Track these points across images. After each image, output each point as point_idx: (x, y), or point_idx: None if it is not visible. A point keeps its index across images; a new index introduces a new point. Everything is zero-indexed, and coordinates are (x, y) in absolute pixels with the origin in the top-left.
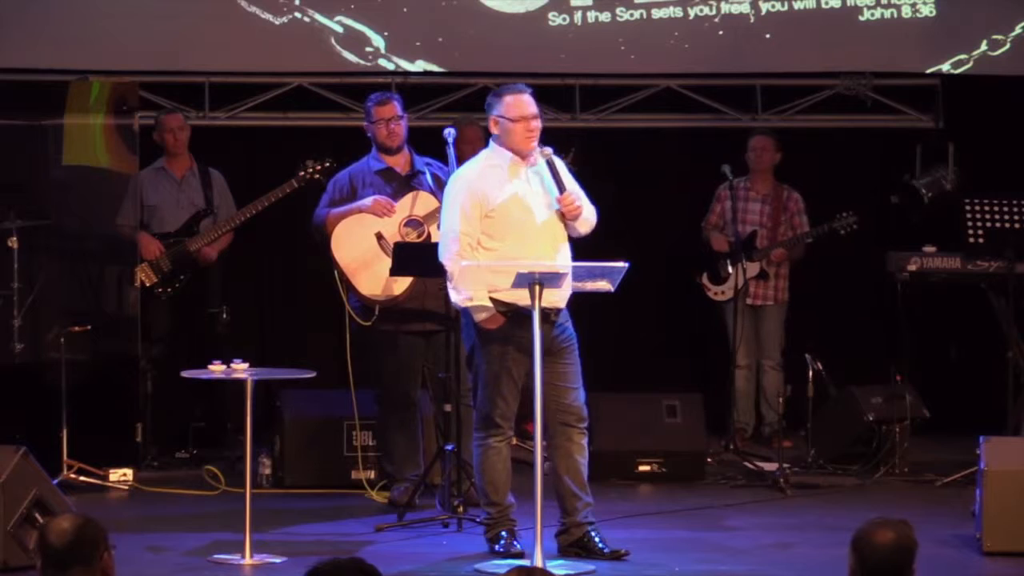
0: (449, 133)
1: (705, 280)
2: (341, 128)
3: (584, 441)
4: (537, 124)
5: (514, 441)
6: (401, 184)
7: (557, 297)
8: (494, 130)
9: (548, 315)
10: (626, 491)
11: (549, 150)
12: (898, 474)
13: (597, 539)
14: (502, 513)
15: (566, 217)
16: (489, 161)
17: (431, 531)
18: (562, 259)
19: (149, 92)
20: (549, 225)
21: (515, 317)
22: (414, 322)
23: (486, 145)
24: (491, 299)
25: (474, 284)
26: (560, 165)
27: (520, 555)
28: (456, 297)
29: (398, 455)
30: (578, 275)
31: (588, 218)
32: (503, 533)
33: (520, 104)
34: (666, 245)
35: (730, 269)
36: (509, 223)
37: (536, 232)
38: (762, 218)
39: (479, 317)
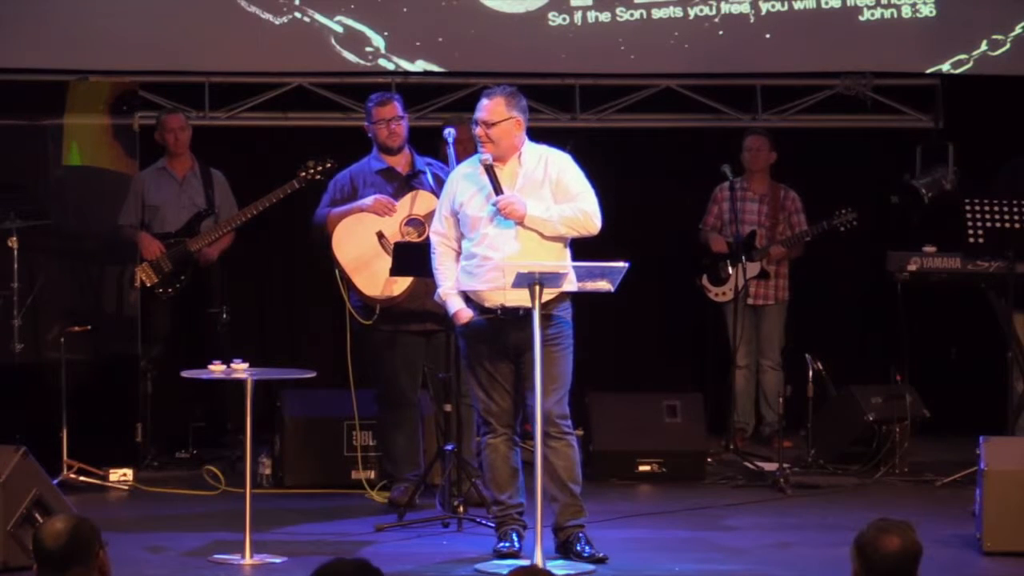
0: (449, 133)
1: (705, 282)
2: (341, 128)
3: (561, 444)
4: (479, 130)
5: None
6: (402, 184)
7: (518, 296)
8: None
9: (515, 313)
10: (626, 491)
11: (487, 157)
12: (898, 474)
13: (578, 545)
14: (505, 511)
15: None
16: (472, 163)
17: (431, 531)
18: (534, 258)
19: (149, 92)
20: (504, 228)
21: (485, 316)
22: (414, 322)
23: (476, 145)
24: (465, 297)
25: (444, 280)
26: (563, 162)
27: (518, 555)
28: (435, 293)
29: (398, 455)
30: (578, 275)
31: (549, 219)
32: (507, 532)
33: (477, 109)
34: (666, 245)
35: (730, 270)
36: (466, 224)
37: (488, 234)
38: (760, 217)
39: (450, 313)
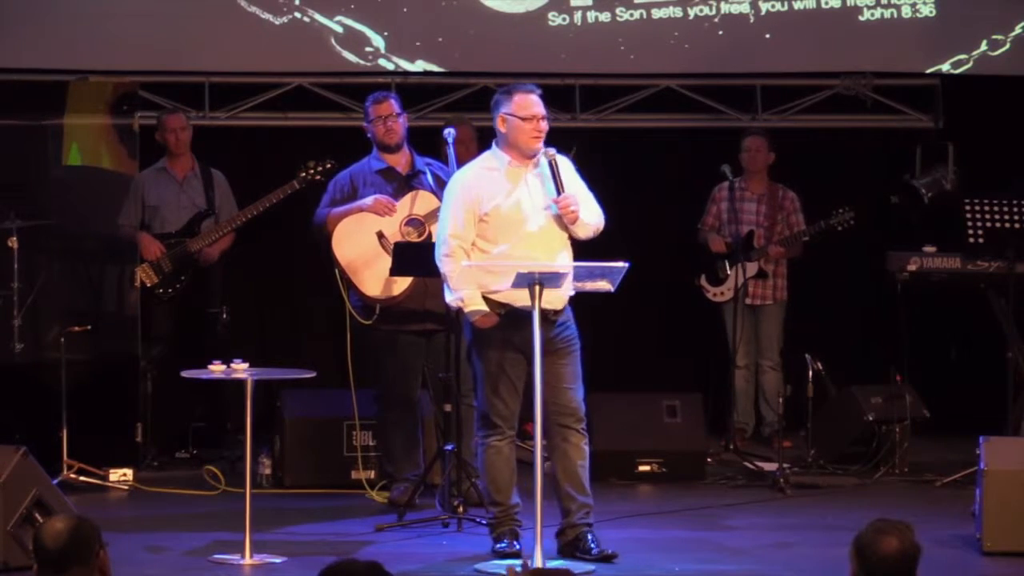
0: (449, 133)
1: (703, 282)
2: (341, 128)
3: (582, 442)
4: (545, 125)
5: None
6: (402, 183)
7: (554, 298)
8: (501, 128)
9: (547, 315)
10: (626, 491)
11: (553, 150)
12: (898, 474)
13: (589, 540)
14: (505, 513)
15: (563, 219)
16: (487, 164)
17: (431, 531)
18: (560, 261)
19: (149, 92)
20: (546, 228)
21: (510, 317)
22: (414, 322)
23: (479, 145)
24: (486, 299)
25: (466, 284)
26: (566, 165)
27: (519, 555)
28: (449, 297)
29: (398, 455)
30: (578, 275)
31: (587, 221)
32: (506, 532)
33: (531, 103)
34: (666, 245)
35: (728, 270)
36: (502, 227)
37: (531, 235)
38: (758, 218)
39: (473, 317)
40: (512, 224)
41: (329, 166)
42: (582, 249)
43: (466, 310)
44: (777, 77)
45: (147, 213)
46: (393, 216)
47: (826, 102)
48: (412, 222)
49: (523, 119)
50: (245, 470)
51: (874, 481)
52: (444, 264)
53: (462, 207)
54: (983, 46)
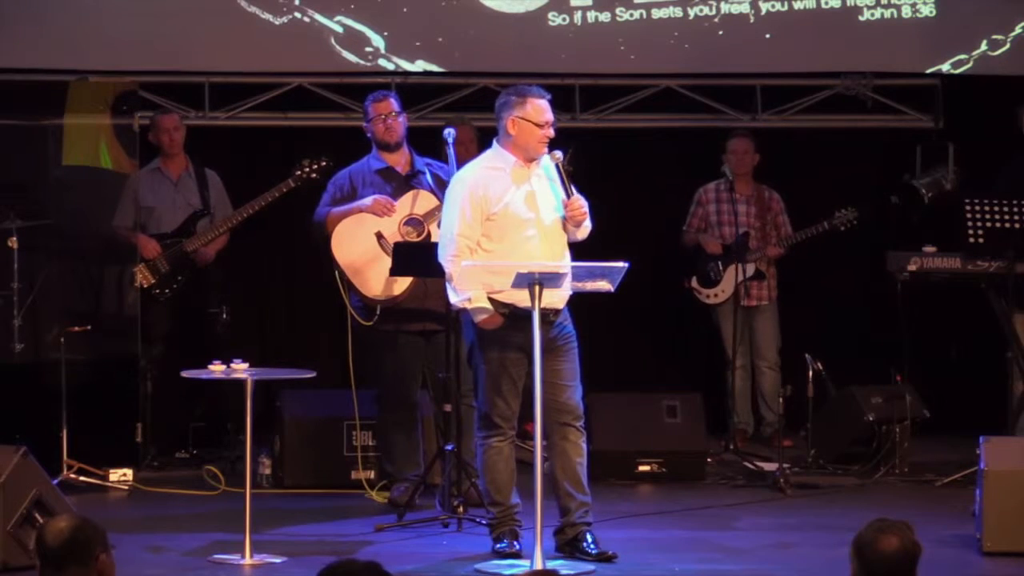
0: (449, 133)
1: (695, 284)
2: (341, 128)
3: (581, 440)
4: (553, 131)
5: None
6: (401, 183)
7: (556, 298)
8: (511, 130)
9: (547, 315)
10: (626, 491)
11: (559, 154)
12: (898, 474)
13: (588, 540)
14: (505, 513)
15: (570, 222)
16: (491, 164)
17: (431, 531)
18: (568, 259)
19: (149, 92)
20: (550, 229)
21: (513, 317)
22: (414, 322)
23: (479, 146)
24: (490, 299)
25: (472, 285)
26: (539, 171)
27: (519, 555)
28: (454, 298)
29: (398, 455)
30: (578, 275)
31: (587, 224)
32: (506, 532)
33: (545, 109)
34: (666, 245)
35: (723, 271)
36: (509, 227)
37: (536, 235)
38: (748, 219)
39: (478, 318)
40: (519, 224)
41: (324, 164)
42: (581, 248)
43: (471, 312)
44: (777, 77)
45: (142, 214)
46: (392, 216)
47: (826, 102)
48: (411, 222)
49: (539, 125)
50: (245, 470)
51: (874, 481)
52: (450, 264)
53: (470, 206)
54: (983, 46)
